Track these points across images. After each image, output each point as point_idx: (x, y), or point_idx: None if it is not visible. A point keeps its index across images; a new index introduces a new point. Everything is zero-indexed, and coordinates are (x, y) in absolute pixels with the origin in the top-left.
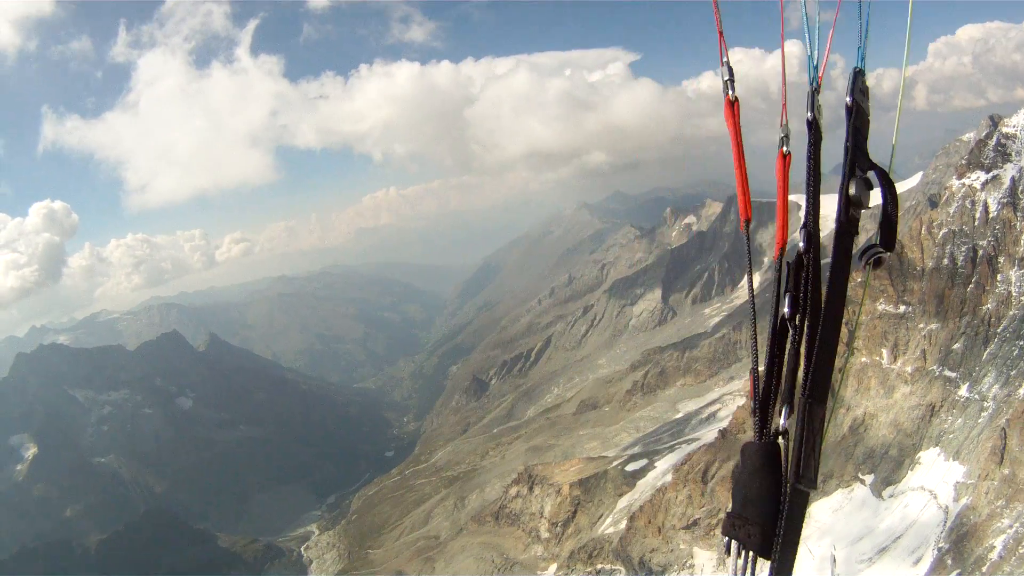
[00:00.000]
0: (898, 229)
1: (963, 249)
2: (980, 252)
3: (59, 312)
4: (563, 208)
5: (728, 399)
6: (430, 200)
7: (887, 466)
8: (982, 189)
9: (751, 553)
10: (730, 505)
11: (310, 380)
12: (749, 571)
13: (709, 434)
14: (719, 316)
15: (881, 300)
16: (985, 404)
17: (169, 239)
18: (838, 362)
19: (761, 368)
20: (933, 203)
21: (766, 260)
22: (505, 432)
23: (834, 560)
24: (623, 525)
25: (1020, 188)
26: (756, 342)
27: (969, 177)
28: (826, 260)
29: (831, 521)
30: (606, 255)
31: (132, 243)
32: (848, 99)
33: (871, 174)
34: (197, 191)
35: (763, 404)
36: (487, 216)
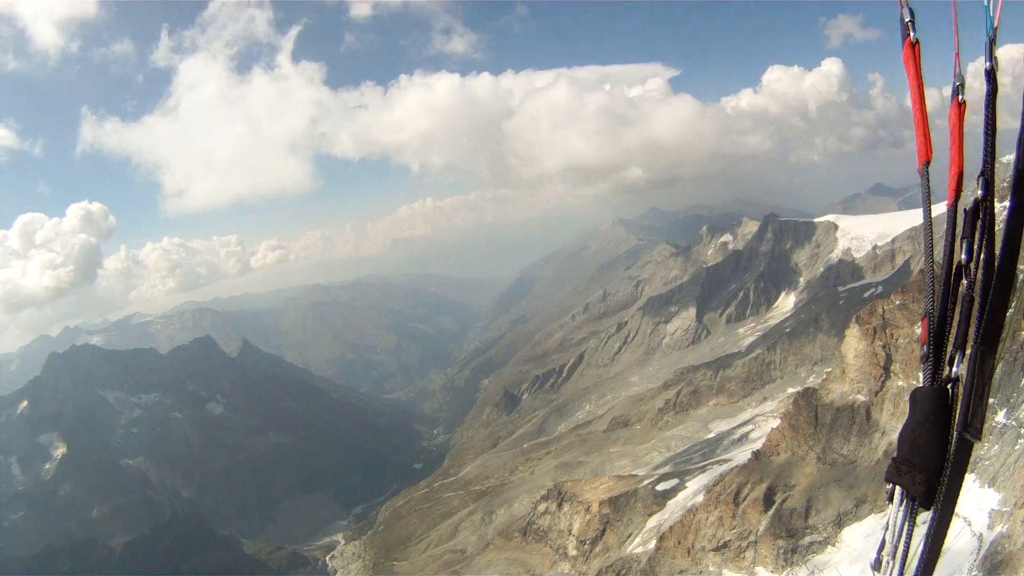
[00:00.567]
0: None
1: None
2: (1020, 278)
3: (93, 313)
4: (599, 223)
5: (761, 420)
6: (466, 212)
7: None
8: None
9: (913, 502)
10: (896, 451)
11: (341, 389)
12: (908, 522)
13: (741, 455)
14: (753, 336)
15: (919, 325)
16: (1022, 431)
17: (205, 244)
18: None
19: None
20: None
21: (801, 280)
22: (535, 448)
23: None
24: (652, 545)
25: None
26: (932, 285)
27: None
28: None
29: (863, 547)
30: (641, 272)
31: (168, 247)
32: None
33: None
34: (234, 197)
35: (936, 350)
36: (523, 230)
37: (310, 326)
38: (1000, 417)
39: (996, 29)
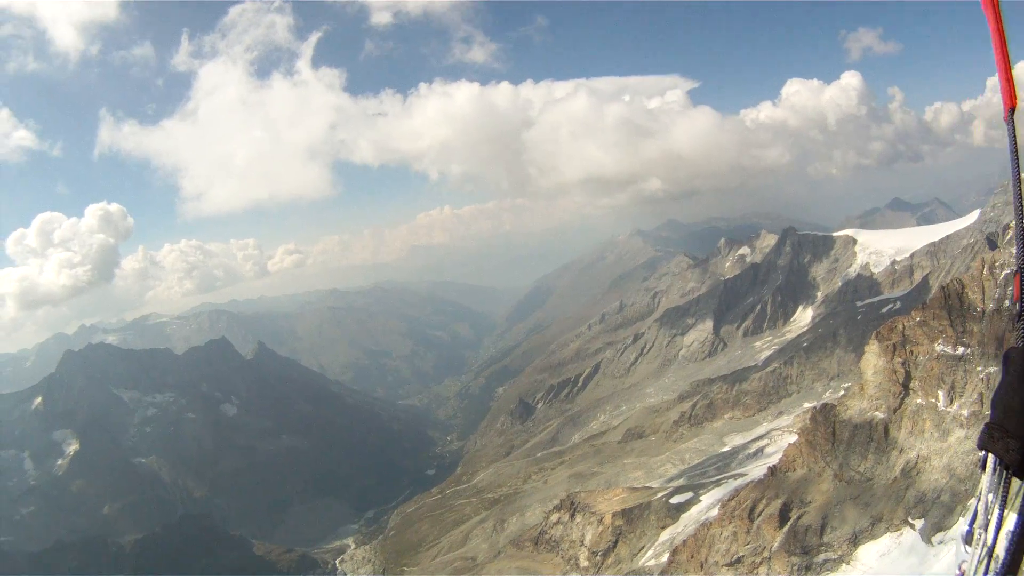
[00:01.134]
0: None
1: None
2: None
3: (109, 312)
4: (617, 234)
5: (776, 434)
6: (484, 221)
7: (938, 511)
8: None
9: (1007, 470)
10: (989, 415)
11: (355, 394)
12: (1002, 490)
13: (756, 470)
14: (770, 350)
15: (939, 341)
16: None
17: (222, 247)
18: None
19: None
20: (991, 241)
21: (819, 295)
22: (549, 457)
23: None
24: (664, 558)
25: None
26: (1023, 239)
27: None
28: None
29: (878, 566)
30: (658, 283)
31: (186, 249)
32: None
33: None
34: (253, 201)
35: None
36: (540, 239)
37: (326, 330)
38: None
39: None
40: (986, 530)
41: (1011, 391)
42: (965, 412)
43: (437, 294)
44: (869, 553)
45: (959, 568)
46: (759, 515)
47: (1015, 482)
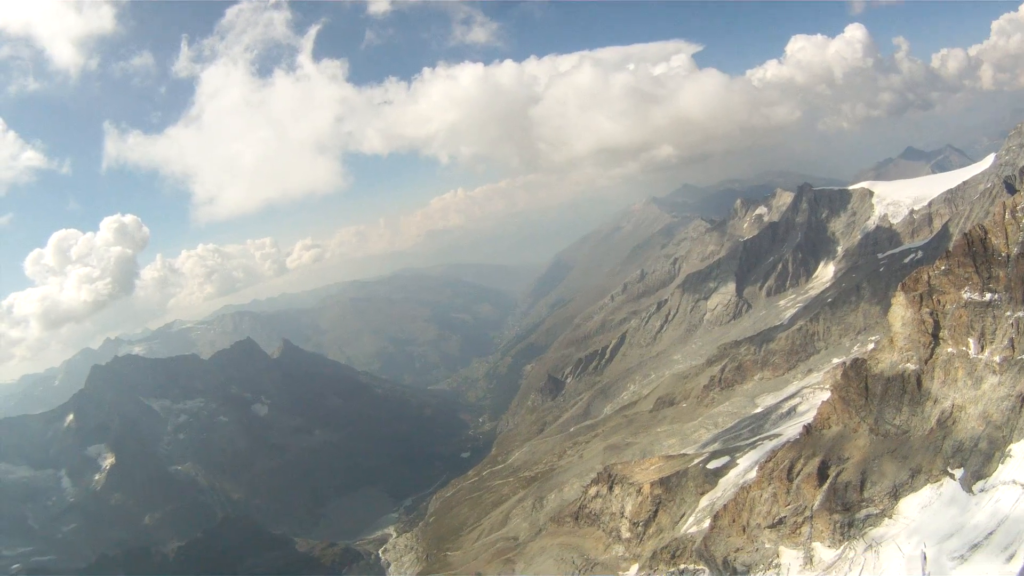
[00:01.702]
0: None
1: None
2: None
3: (133, 323)
4: (632, 203)
5: (808, 392)
6: (498, 200)
7: (977, 460)
8: None
9: None
10: None
11: (384, 383)
12: None
13: (790, 429)
14: (795, 308)
15: (966, 288)
16: None
17: (239, 248)
18: None
19: None
20: (1009, 185)
21: (839, 249)
22: (582, 431)
23: (924, 558)
24: (706, 524)
25: None
26: None
27: None
28: None
29: (920, 519)
30: (677, 249)
31: (203, 253)
32: None
33: None
34: (266, 201)
35: None
36: (556, 214)
37: (350, 322)
38: None
39: None
40: None
41: None
42: (997, 358)
43: (457, 277)
44: (910, 506)
45: None
46: (797, 475)
47: None
